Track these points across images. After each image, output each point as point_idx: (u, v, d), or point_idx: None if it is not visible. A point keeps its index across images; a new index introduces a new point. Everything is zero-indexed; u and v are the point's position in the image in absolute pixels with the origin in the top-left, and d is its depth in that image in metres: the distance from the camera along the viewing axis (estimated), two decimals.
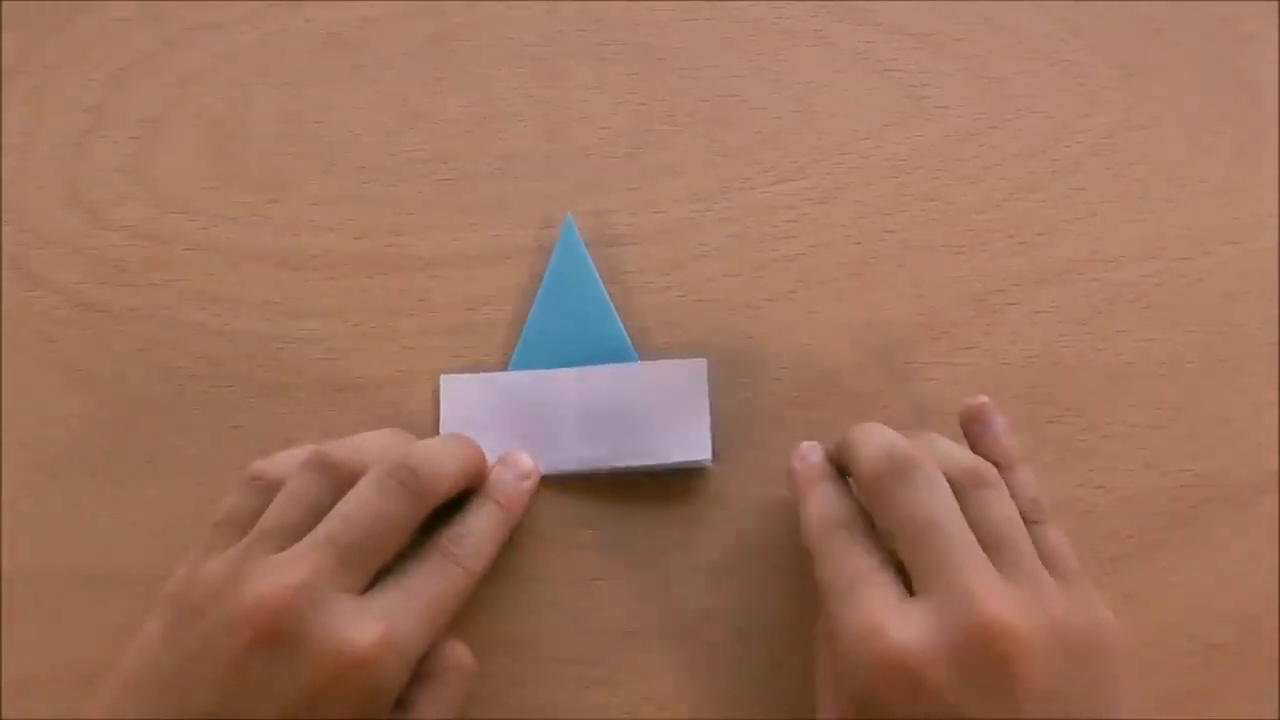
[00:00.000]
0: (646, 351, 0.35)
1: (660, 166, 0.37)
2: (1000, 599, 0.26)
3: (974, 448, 0.31)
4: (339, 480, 0.28)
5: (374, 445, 0.29)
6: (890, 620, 0.26)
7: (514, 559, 0.33)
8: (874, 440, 0.29)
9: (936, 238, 0.36)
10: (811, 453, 0.32)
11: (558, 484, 0.33)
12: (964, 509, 0.28)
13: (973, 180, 0.37)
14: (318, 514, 0.27)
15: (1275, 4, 0.39)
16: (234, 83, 0.37)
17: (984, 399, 0.32)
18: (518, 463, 0.32)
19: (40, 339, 0.35)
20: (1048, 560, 0.28)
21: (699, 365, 0.34)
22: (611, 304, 0.35)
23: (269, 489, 0.28)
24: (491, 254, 0.36)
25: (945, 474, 0.29)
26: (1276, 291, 0.36)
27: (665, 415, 0.33)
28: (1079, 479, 0.34)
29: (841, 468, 0.31)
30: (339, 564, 0.26)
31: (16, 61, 0.37)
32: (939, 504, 0.28)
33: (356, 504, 0.27)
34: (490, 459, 0.32)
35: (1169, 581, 0.34)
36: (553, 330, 0.34)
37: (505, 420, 0.34)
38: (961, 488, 0.28)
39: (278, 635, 0.25)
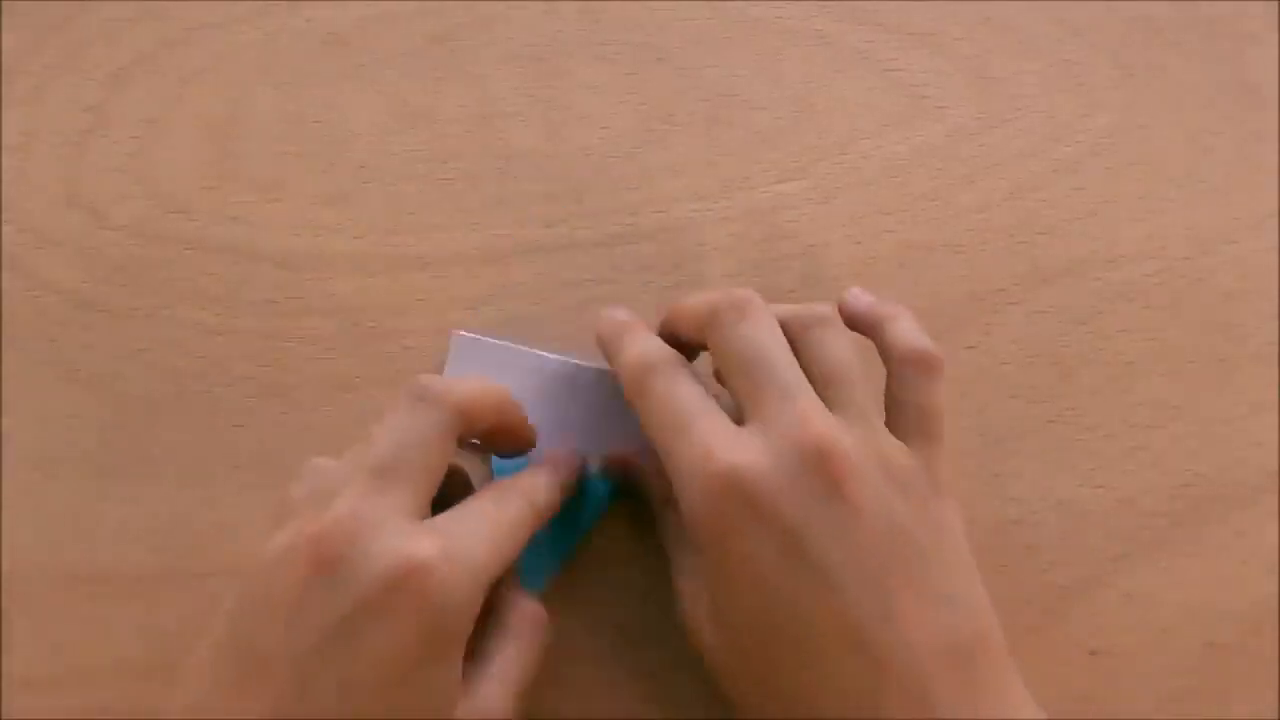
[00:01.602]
0: None
1: (660, 166, 0.37)
2: (829, 423, 0.26)
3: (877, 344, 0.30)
4: None
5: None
6: (722, 445, 0.26)
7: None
8: (708, 292, 0.29)
9: (936, 238, 0.36)
10: (617, 311, 0.31)
11: None
12: (799, 349, 0.28)
13: (973, 180, 0.37)
14: None
15: (1275, 4, 0.39)
16: (234, 83, 0.37)
17: (869, 299, 0.30)
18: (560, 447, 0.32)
19: (40, 339, 0.35)
20: (912, 419, 0.28)
21: None
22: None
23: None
24: (491, 254, 0.36)
25: (782, 318, 0.28)
26: (1276, 291, 0.36)
27: None
28: (1079, 479, 0.34)
29: (672, 336, 0.30)
30: (376, 484, 0.25)
31: (16, 61, 0.37)
32: (767, 340, 0.27)
33: (378, 429, 0.27)
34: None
35: (1169, 581, 0.34)
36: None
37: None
38: (796, 329, 0.28)
39: (331, 561, 0.24)
